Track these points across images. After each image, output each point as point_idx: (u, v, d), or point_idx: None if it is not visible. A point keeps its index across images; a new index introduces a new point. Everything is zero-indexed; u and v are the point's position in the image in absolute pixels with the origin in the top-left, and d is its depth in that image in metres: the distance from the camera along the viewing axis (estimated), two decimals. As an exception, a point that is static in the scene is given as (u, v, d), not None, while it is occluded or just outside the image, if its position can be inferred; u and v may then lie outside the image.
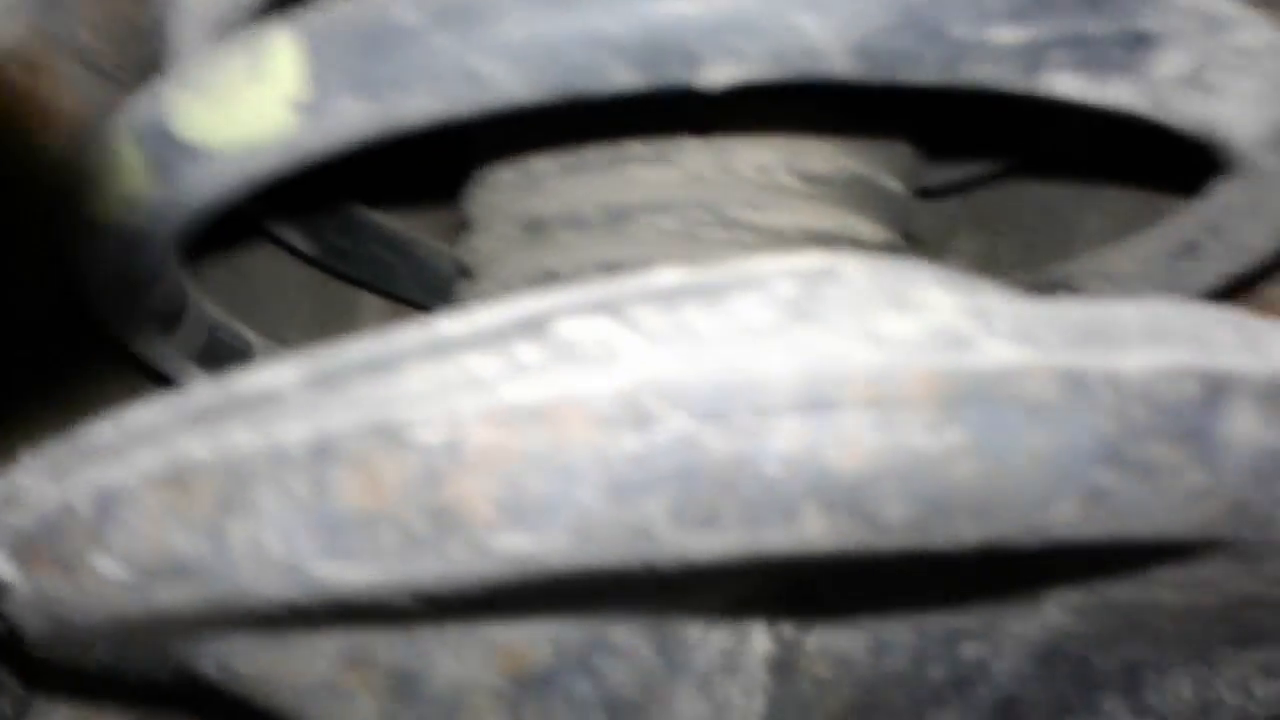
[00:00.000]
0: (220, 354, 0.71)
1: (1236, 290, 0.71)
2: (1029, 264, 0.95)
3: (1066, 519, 0.31)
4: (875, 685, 0.54)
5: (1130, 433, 0.30)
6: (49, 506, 0.36)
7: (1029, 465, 0.30)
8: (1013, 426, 0.30)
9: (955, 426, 0.30)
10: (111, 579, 0.35)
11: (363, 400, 0.32)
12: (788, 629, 0.52)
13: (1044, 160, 0.89)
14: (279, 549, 0.32)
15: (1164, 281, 0.68)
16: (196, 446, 0.33)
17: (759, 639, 0.52)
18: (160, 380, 0.72)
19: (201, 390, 0.35)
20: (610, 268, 0.62)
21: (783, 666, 0.52)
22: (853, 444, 0.29)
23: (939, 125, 0.77)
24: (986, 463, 0.30)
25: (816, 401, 0.29)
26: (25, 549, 0.37)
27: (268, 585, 0.33)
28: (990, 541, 0.32)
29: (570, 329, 0.32)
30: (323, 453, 0.31)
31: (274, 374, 0.34)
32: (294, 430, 0.32)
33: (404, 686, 0.46)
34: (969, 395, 0.30)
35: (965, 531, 0.31)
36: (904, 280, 0.33)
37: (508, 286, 0.66)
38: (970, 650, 0.52)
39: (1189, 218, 0.62)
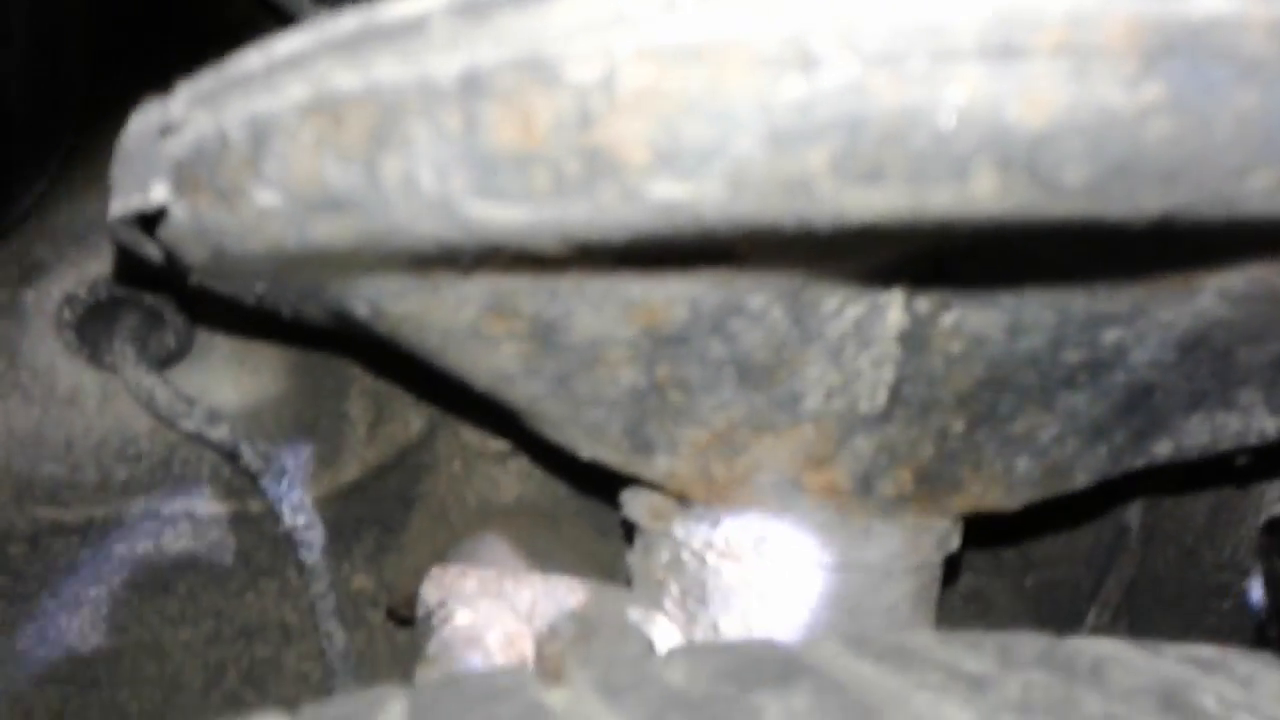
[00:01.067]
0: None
1: None
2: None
3: (1263, 190, 0.29)
4: (1007, 364, 0.53)
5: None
6: (205, 135, 0.36)
7: (1232, 128, 0.27)
8: (1220, 84, 0.27)
9: (1155, 81, 0.27)
10: (268, 209, 0.35)
11: (513, 33, 0.30)
12: (924, 303, 0.52)
13: None
14: (431, 185, 0.31)
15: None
16: (346, 77, 0.32)
17: (894, 312, 0.51)
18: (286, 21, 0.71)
19: (347, 18, 0.33)
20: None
21: (915, 339, 0.52)
22: (1038, 97, 0.27)
23: None
24: (1185, 122, 0.27)
25: (1002, 48, 0.27)
26: (183, 177, 0.38)
27: (420, 222, 0.33)
28: (1173, 212, 0.30)
29: (733, -38, 0.30)
30: (474, 87, 0.30)
31: (419, 2, 0.32)
32: (443, 62, 0.31)
33: (545, 335, 0.47)
34: (1174, 46, 0.27)
35: (1148, 200, 0.29)
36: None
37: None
38: (1112, 335, 0.51)
39: None
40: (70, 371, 0.78)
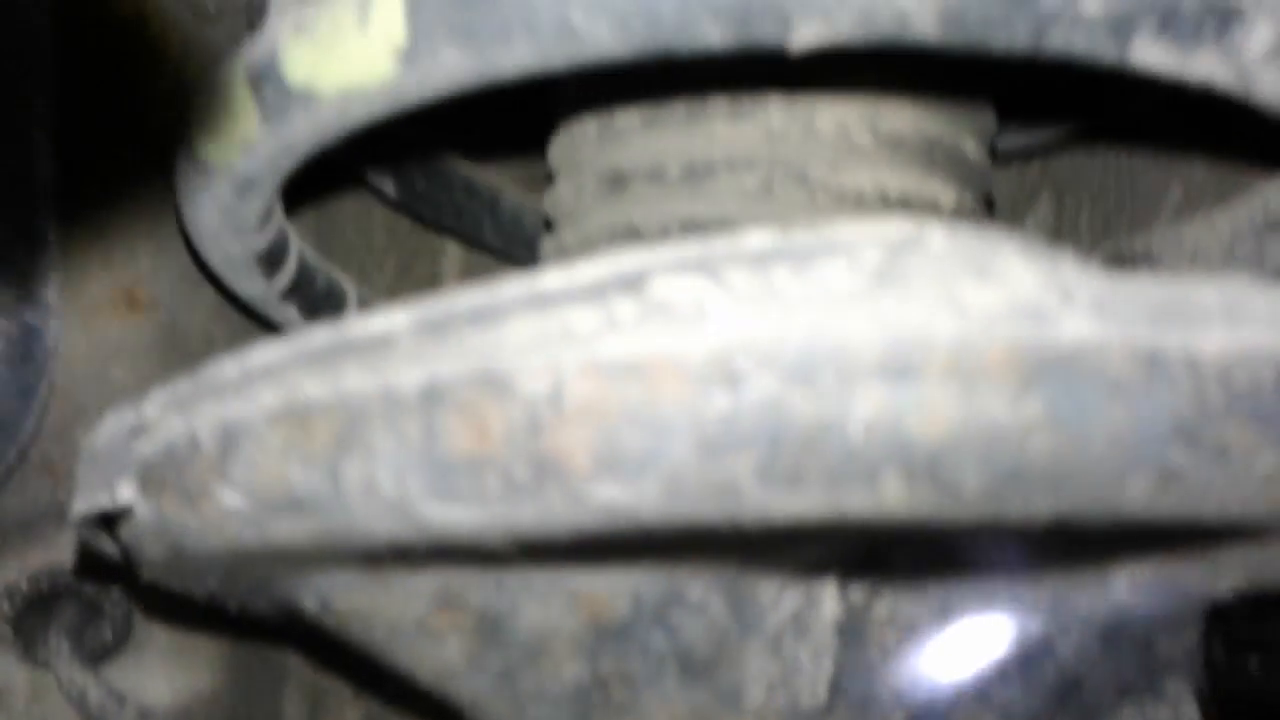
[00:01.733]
0: (317, 297, 0.74)
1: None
2: (1108, 233, 0.94)
3: (1139, 497, 0.32)
4: (941, 654, 0.55)
5: (1206, 414, 0.31)
6: (175, 438, 0.39)
7: (1104, 441, 0.31)
8: (1089, 402, 0.31)
9: (1033, 399, 0.31)
10: (231, 510, 0.37)
11: (471, 348, 0.34)
12: (857, 594, 0.54)
13: (1125, 127, 0.89)
14: (390, 488, 0.34)
15: (1247, 257, 0.68)
16: (315, 386, 0.35)
17: (829, 603, 0.53)
18: (260, 322, 0.76)
19: (319, 333, 0.37)
20: (690, 223, 0.64)
21: (851, 632, 0.54)
22: (933, 412, 0.31)
23: (1020, 88, 0.77)
24: (1062, 437, 0.31)
25: (899, 369, 0.31)
26: (151, 477, 0.40)
27: (378, 522, 0.35)
28: (1063, 515, 0.33)
29: (665, 287, 0.34)
30: (433, 397, 0.33)
31: (387, 320, 0.36)
32: (406, 374, 0.34)
33: (490, 630, 0.48)
34: (1047, 369, 0.31)
35: (1039, 504, 0.33)
36: (987, 250, 0.34)
37: (589, 239, 0.68)
38: (1036, 625, 0.53)
39: (1275, 192, 0.62)
40: (1, 667, 0.76)
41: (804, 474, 0.32)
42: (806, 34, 0.42)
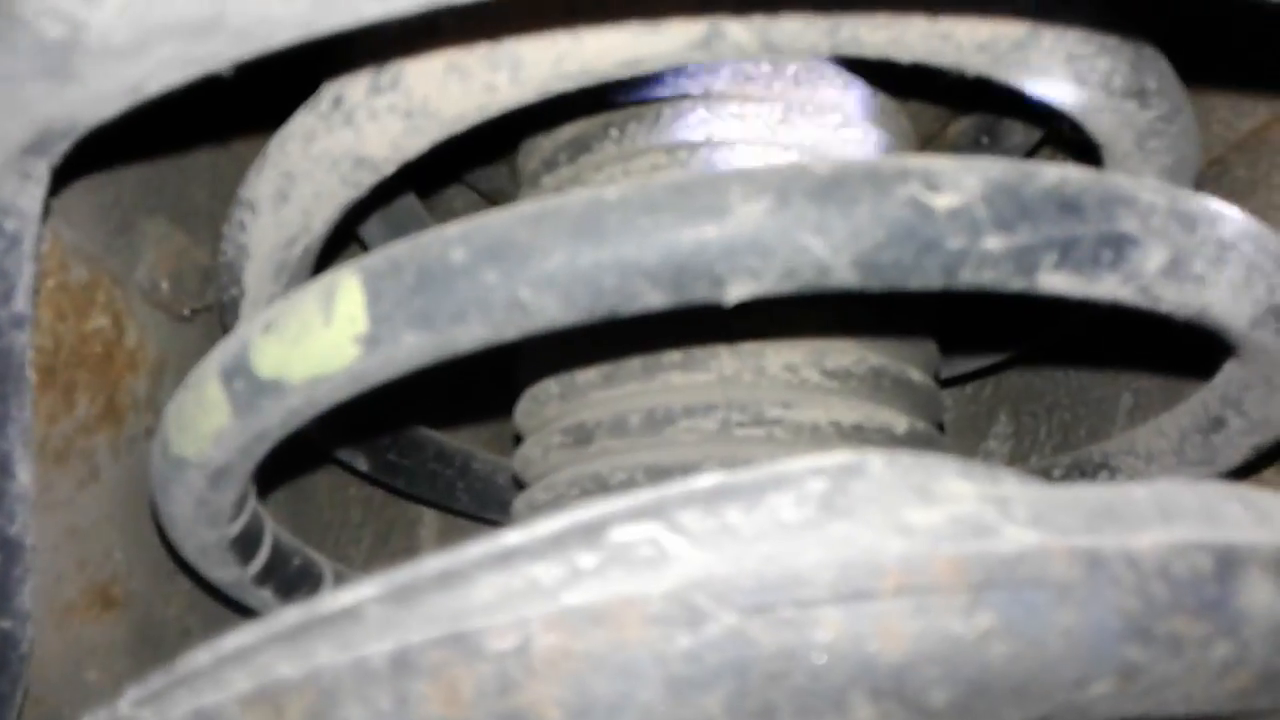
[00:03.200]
0: (292, 578, 0.74)
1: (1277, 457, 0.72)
2: (1067, 443, 0.97)
3: (1104, 697, 0.33)
4: None
5: (1153, 608, 0.32)
6: (150, 731, 0.38)
7: (1060, 644, 0.32)
8: (1039, 607, 0.32)
9: (986, 610, 0.32)
10: (206, 799, 0.37)
11: (438, 612, 0.35)
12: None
13: (1067, 344, 0.93)
14: (364, 761, 0.34)
15: (1197, 457, 0.70)
16: (286, 666, 0.36)
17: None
18: (237, 608, 0.76)
19: (289, 613, 0.38)
20: (654, 470, 0.66)
21: None
22: (892, 631, 0.32)
23: (960, 318, 0.81)
24: (1019, 644, 0.32)
25: (853, 592, 0.32)
26: (125, 774, 0.39)
27: (355, 798, 0.35)
28: (1034, 721, 0.34)
29: (622, 534, 0.35)
30: (403, 665, 0.34)
31: (354, 592, 0.37)
32: (375, 645, 0.35)
33: None
34: (995, 579, 0.32)
35: (1008, 713, 0.33)
36: (927, 472, 0.35)
37: (558, 493, 0.70)
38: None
39: (1211, 395, 0.65)
40: None
41: (773, 706, 0.32)
42: (738, 290, 0.45)
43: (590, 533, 0.35)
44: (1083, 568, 0.32)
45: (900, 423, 0.68)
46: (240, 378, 0.54)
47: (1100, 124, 0.61)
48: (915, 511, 0.34)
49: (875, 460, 0.36)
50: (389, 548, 1.04)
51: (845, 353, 0.68)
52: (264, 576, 0.71)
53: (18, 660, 0.66)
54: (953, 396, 1.06)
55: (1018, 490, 0.35)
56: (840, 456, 0.36)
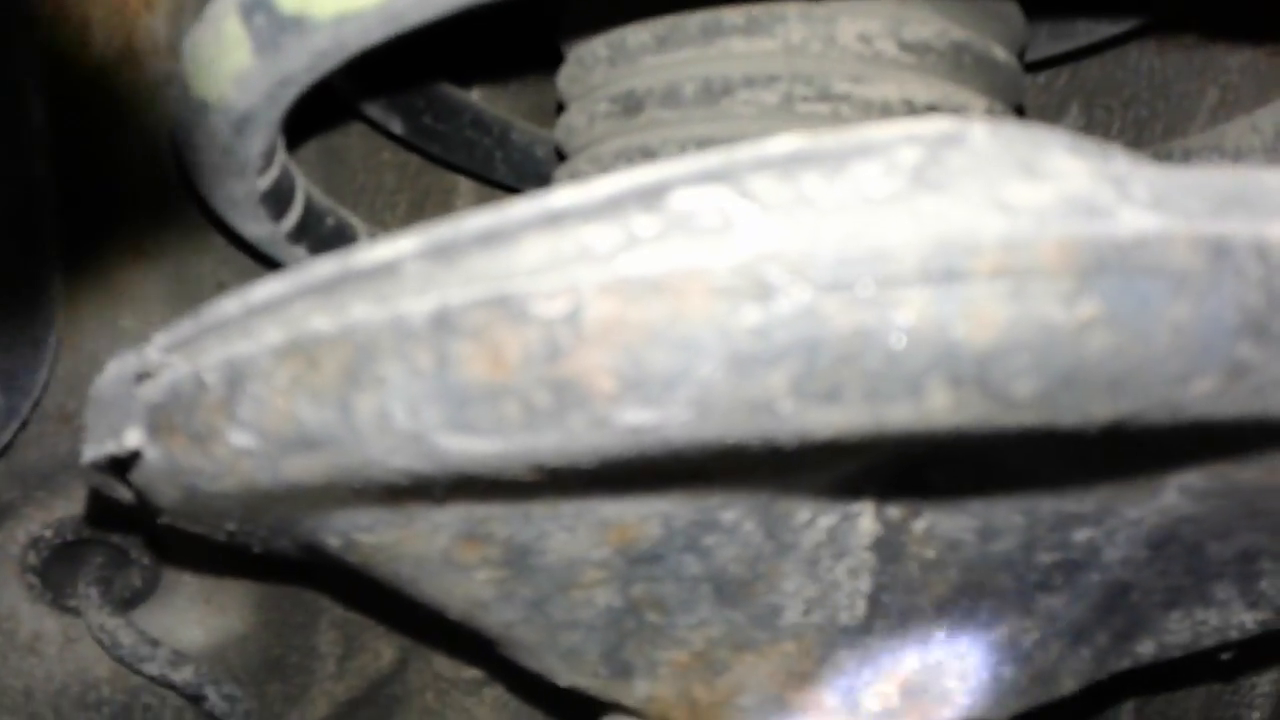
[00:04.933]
0: (326, 237, 0.72)
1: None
2: (1141, 142, 0.91)
3: (1204, 395, 0.30)
4: (982, 568, 0.54)
5: (1276, 304, 0.29)
6: (180, 380, 0.37)
7: (1168, 338, 0.29)
8: (1151, 298, 0.29)
9: (1091, 298, 0.28)
10: (242, 450, 0.36)
11: (481, 273, 0.32)
12: (895, 511, 0.52)
13: (1158, 27, 0.85)
14: (404, 420, 0.32)
15: (1296, 155, 0.65)
16: (321, 319, 0.33)
17: (866, 521, 0.52)
18: (271, 266, 0.74)
19: (322, 265, 0.35)
20: (708, 144, 0.61)
21: (889, 547, 0.52)
22: (982, 316, 0.28)
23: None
24: (1123, 335, 0.29)
25: (944, 272, 0.29)
26: (157, 421, 0.38)
27: (394, 456, 0.33)
28: (1121, 419, 0.31)
29: (686, 199, 0.32)
30: (444, 325, 0.32)
31: (392, 248, 0.34)
32: (416, 303, 0.32)
33: (519, 560, 0.47)
34: (1105, 265, 0.29)
35: (1097, 408, 0.30)
36: (1033, 145, 0.31)
37: (603, 166, 0.65)
38: (1082, 535, 0.52)
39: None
40: (32, 617, 0.76)
41: (842, 387, 0.30)
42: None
43: (649, 196, 0.32)
44: (1205, 257, 0.29)
45: (979, 105, 0.63)
46: (260, 12, 0.49)
47: None
48: (1019, 187, 0.30)
49: (976, 129, 0.31)
50: (424, 215, 1.02)
51: (926, 23, 0.61)
52: (297, 234, 0.69)
53: (49, 303, 0.65)
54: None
55: (1136, 169, 0.31)
56: (937, 124, 0.32)
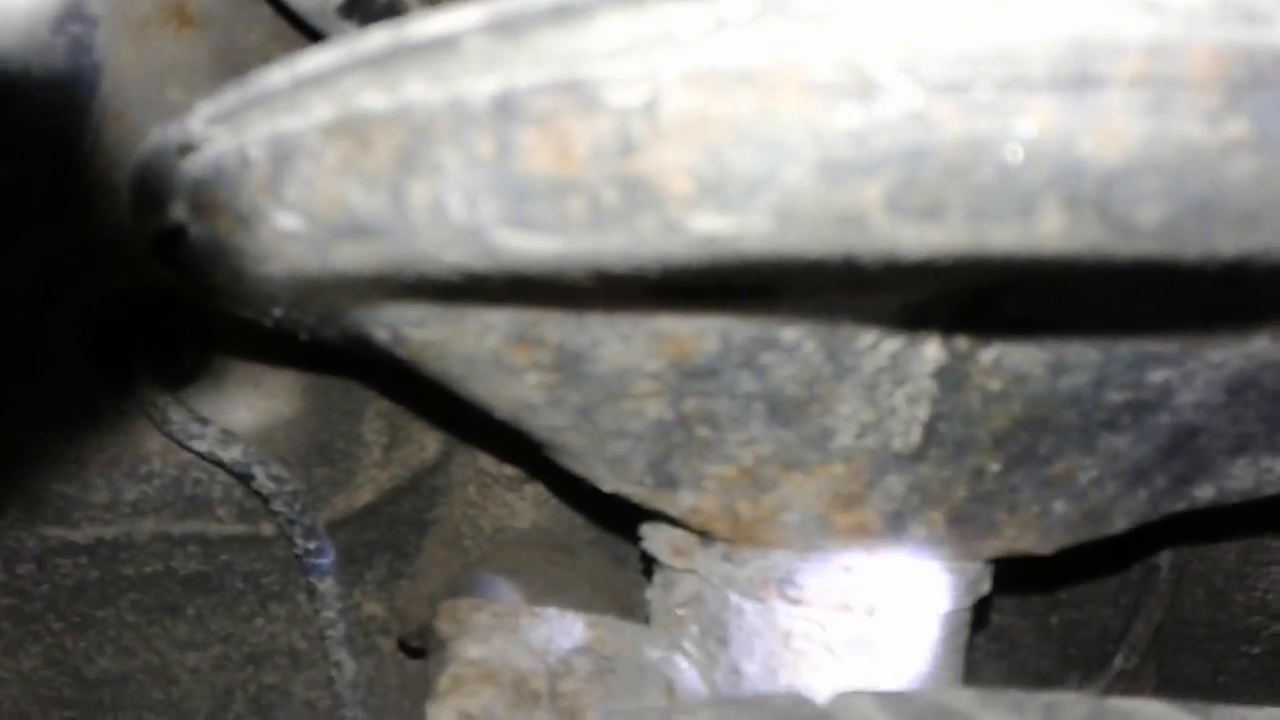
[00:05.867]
0: (379, 11, 0.68)
1: None
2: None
3: (1348, 235, 0.27)
4: (1047, 403, 0.51)
5: None
6: (225, 155, 0.35)
7: (1319, 168, 0.26)
8: (1310, 121, 0.25)
9: (1240, 116, 0.25)
10: (288, 233, 0.34)
11: (551, 53, 0.29)
12: (963, 339, 0.50)
13: None
14: (460, 212, 0.30)
15: None
16: (374, 96, 0.30)
17: (931, 347, 0.50)
18: (319, 40, 0.70)
19: (376, 35, 0.32)
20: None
21: (952, 376, 0.50)
22: (1114, 131, 0.25)
23: None
24: (1269, 161, 0.25)
25: (1077, 78, 0.25)
26: (201, 198, 0.36)
27: (447, 250, 0.31)
28: (1250, 256, 0.28)
29: (785, -20, 0.28)
30: (508, 110, 0.29)
31: (453, 20, 0.31)
32: (477, 84, 0.29)
33: (570, 366, 0.45)
34: (1261, 79, 0.25)
35: (1225, 243, 0.27)
36: (1191, -62, 0.27)
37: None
38: (1158, 375, 0.49)
39: None
40: (84, 388, 0.77)
41: (944, 203, 0.27)
42: None
43: (744, -28, 0.28)
44: (1380, 77, 0.25)
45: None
46: None
47: None
48: (1173, -17, 0.26)
49: (1126, -88, 0.27)
50: None
51: None
52: (349, 8, 0.65)
53: (92, 69, 0.62)
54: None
55: (1306, -29, 0.27)
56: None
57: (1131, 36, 0.25)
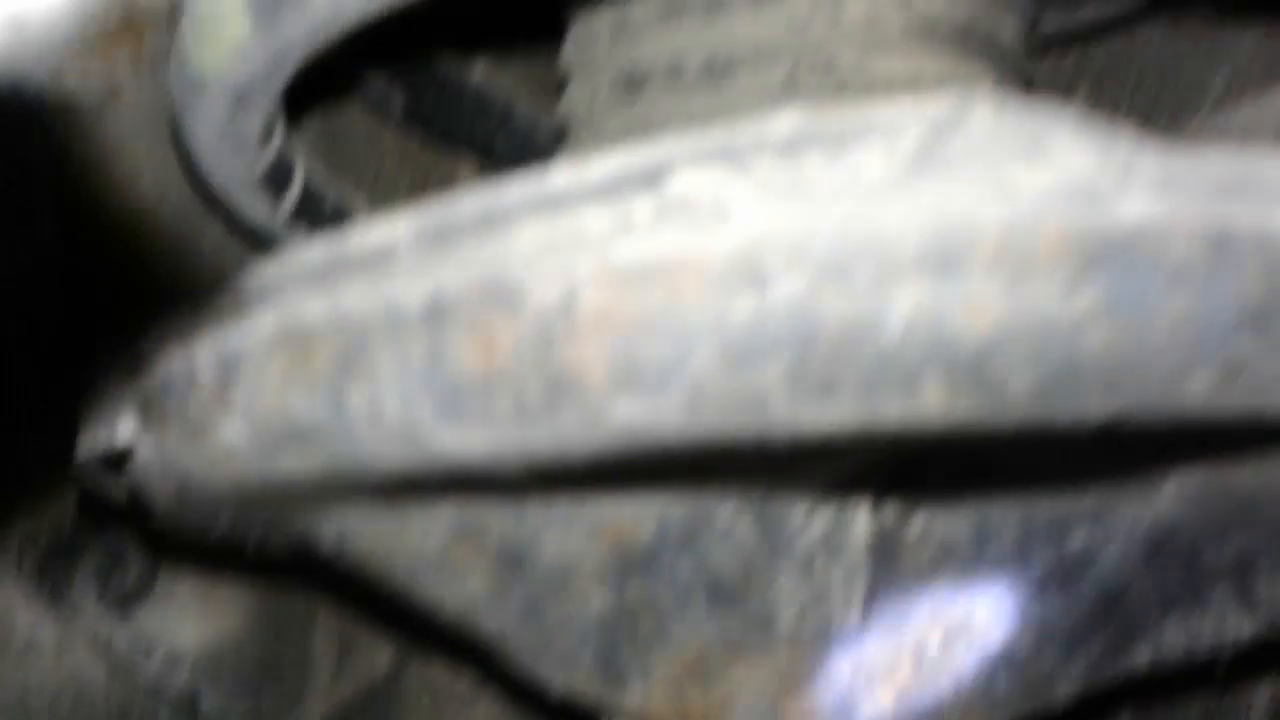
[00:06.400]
0: (325, 219, 0.71)
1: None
2: (1151, 123, 0.91)
3: (1202, 391, 0.30)
4: (978, 573, 0.53)
5: (1276, 298, 0.29)
6: (174, 370, 0.37)
7: (1166, 332, 0.28)
8: (1150, 289, 0.28)
9: (1089, 289, 0.28)
10: (234, 442, 0.35)
11: (476, 258, 0.32)
12: (891, 513, 0.52)
13: (1168, 7, 0.85)
14: (397, 413, 0.32)
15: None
16: (314, 308, 0.33)
17: (861, 523, 0.52)
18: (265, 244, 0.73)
19: (316, 249, 0.35)
20: (712, 123, 0.60)
21: (884, 550, 0.52)
22: (980, 307, 0.28)
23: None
24: (1121, 329, 0.28)
25: (943, 261, 0.28)
26: (151, 412, 0.38)
27: (385, 450, 0.33)
28: (1119, 415, 0.31)
29: (685, 182, 0.32)
30: (438, 314, 0.31)
31: (387, 231, 0.34)
32: (409, 290, 0.32)
33: (512, 561, 0.46)
34: (1105, 255, 0.28)
35: (1094, 404, 0.30)
36: (1037, 127, 0.31)
37: (605, 143, 0.65)
38: (1078, 539, 0.51)
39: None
40: (27, 619, 0.76)
41: (837, 381, 0.29)
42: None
43: (648, 179, 0.32)
44: (1206, 248, 0.28)
45: (986, 81, 0.62)
46: (259, -19, 0.49)
47: None
48: (1021, 171, 0.29)
49: (979, 109, 0.31)
50: (426, 196, 1.01)
51: (933, 1, 0.61)
52: (297, 215, 0.68)
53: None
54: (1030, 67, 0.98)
55: (1140, 154, 0.30)
56: (939, 104, 0.31)
57: (988, 222, 0.28)
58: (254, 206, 0.66)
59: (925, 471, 0.49)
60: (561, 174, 0.32)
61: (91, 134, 0.68)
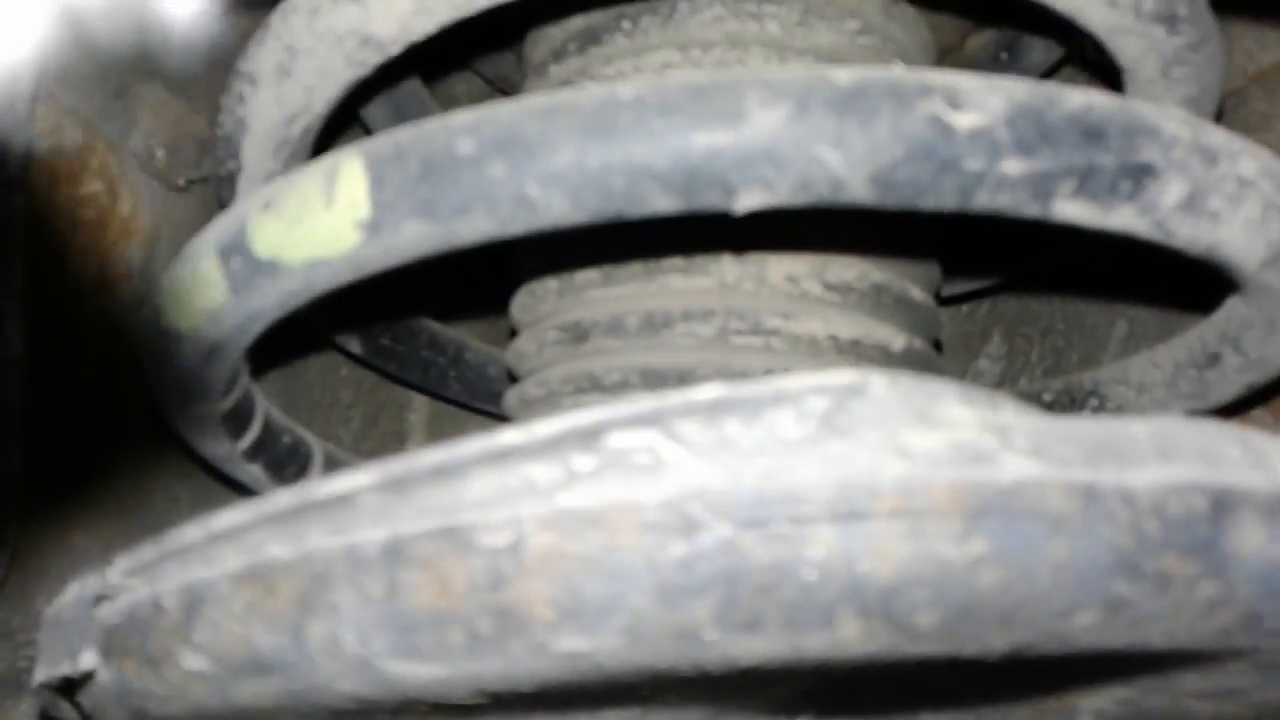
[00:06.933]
0: (281, 455, 0.74)
1: (1268, 396, 0.73)
2: (1059, 368, 0.97)
3: (1088, 628, 0.33)
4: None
5: (1144, 545, 0.33)
6: (138, 603, 0.39)
7: (1050, 575, 0.32)
8: (1032, 537, 0.32)
9: (979, 537, 0.32)
10: (195, 673, 0.37)
11: (432, 505, 0.35)
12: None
13: (1069, 268, 0.93)
14: (354, 647, 0.34)
15: (1190, 391, 0.70)
16: (278, 547, 0.36)
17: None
18: (225, 481, 0.76)
19: (282, 495, 0.38)
20: (649, 373, 0.66)
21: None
22: (884, 553, 0.32)
23: (965, 238, 0.80)
24: (1009, 572, 0.32)
25: (849, 511, 0.32)
26: (113, 643, 0.40)
27: (343, 681, 0.35)
28: (1016, 648, 0.34)
29: (620, 440, 0.35)
30: (395, 555, 0.34)
31: (349, 480, 0.37)
32: (369, 533, 0.35)
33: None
34: (990, 507, 0.32)
35: (993, 639, 0.33)
36: (928, 396, 0.35)
37: (551, 390, 0.70)
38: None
39: (1209, 330, 0.65)
40: None
41: (761, 617, 0.32)
42: (749, 199, 0.45)
43: (588, 437, 0.35)
44: (1078, 501, 0.32)
45: (898, 340, 0.68)
46: (237, 256, 0.53)
47: (1126, 47, 0.59)
48: (915, 435, 0.33)
49: (877, 381, 0.36)
50: (378, 430, 1.05)
51: (848, 267, 0.67)
52: (254, 453, 0.71)
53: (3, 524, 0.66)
54: (947, 314, 1.06)
55: (1018, 419, 0.35)
56: (842, 375, 0.36)
57: (888, 478, 0.32)
58: (213, 444, 0.69)
59: (862, 691, 0.51)
60: (510, 433, 0.36)
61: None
